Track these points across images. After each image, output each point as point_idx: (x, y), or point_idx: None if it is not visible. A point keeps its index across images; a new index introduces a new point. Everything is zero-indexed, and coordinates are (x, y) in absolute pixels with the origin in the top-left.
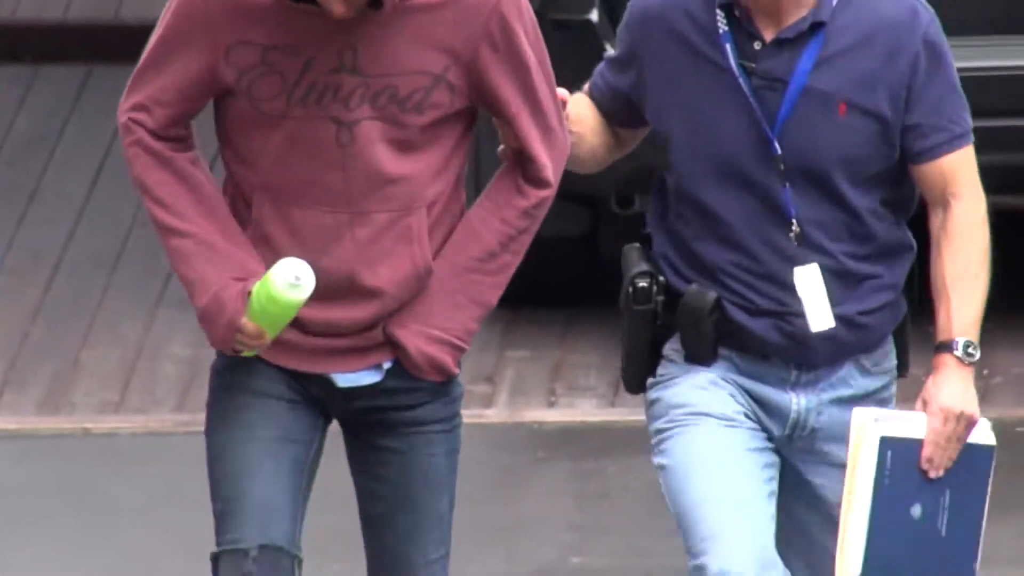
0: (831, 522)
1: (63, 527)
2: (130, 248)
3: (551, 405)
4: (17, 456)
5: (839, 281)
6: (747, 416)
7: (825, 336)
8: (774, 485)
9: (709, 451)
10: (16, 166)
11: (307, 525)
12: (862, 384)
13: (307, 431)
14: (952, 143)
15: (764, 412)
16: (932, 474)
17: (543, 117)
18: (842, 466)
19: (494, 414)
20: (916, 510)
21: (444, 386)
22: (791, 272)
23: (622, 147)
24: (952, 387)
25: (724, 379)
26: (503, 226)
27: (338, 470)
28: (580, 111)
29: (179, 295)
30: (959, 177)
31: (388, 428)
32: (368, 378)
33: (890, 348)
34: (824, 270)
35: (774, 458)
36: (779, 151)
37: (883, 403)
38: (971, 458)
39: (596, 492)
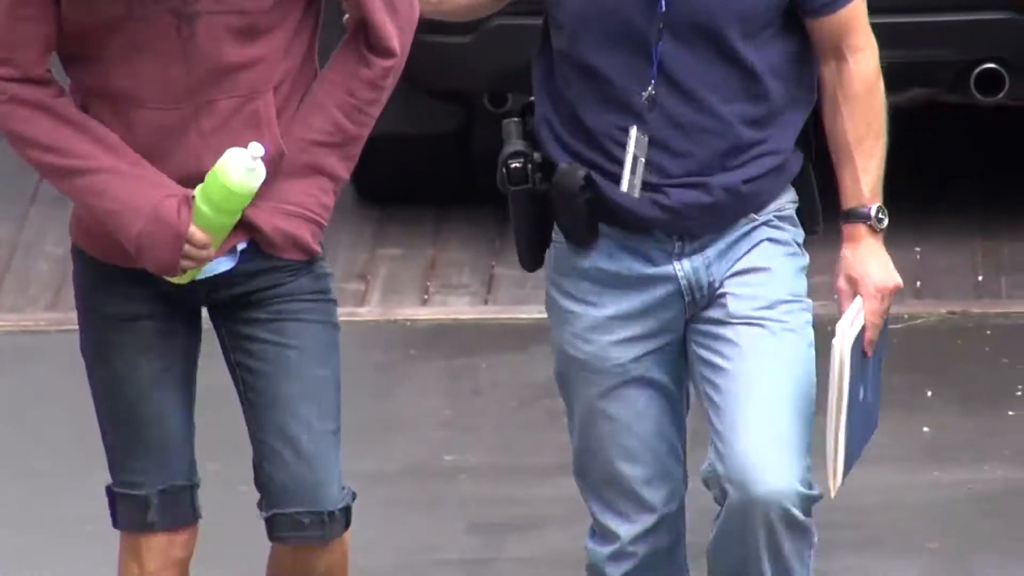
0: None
1: None
2: (2, 145)
3: (424, 303)
4: None
5: (724, 143)
6: (640, 356)
7: (704, 206)
8: (680, 423)
9: (605, 427)
10: None
11: None
12: (752, 229)
13: (184, 340)
14: None
15: (660, 308)
16: (868, 353)
17: None
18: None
19: (366, 312)
20: (861, 393)
21: (307, 265)
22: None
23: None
24: (877, 262)
25: (617, 315)
26: (348, 98)
27: (212, 374)
28: None
29: (52, 192)
30: (856, 27)
31: (256, 307)
32: (223, 265)
33: (788, 199)
34: (712, 134)
35: (677, 396)
36: (663, 8)
37: (777, 228)
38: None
39: (468, 389)
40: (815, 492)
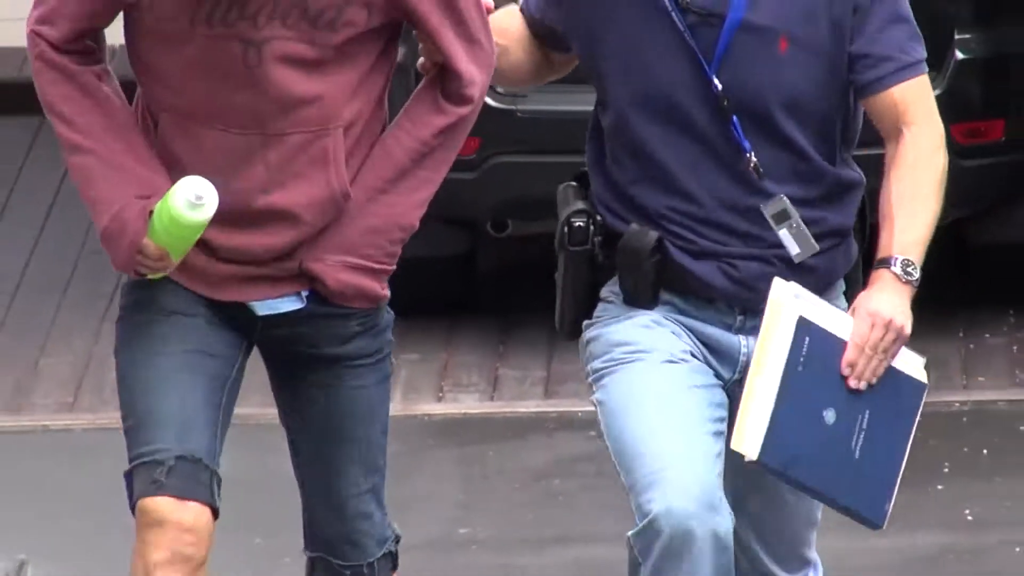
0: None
1: (24, 512)
2: (79, 273)
3: (439, 400)
4: None
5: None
6: (693, 355)
7: (770, 275)
8: (721, 425)
9: (650, 387)
10: None
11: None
12: None
13: (228, 347)
14: (902, 72)
15: (712, 354)
16: (852, 383)
17: (466, 29)
18: None
19: (390, 408)
20: (830, 415)
21: (370, 315)
22: (734, 215)
23: (553, 69)
24: (884, 296)
25: (667, 319)
26: (417, 144)
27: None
28: (507, 22)
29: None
30: (912, 108)
31: (314, 362)
32: (288, 305)
33: (840, 291)
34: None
35: (722, 397)
36: (719, 88)
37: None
38: (899, 387)
39: (478, 474)
40: None
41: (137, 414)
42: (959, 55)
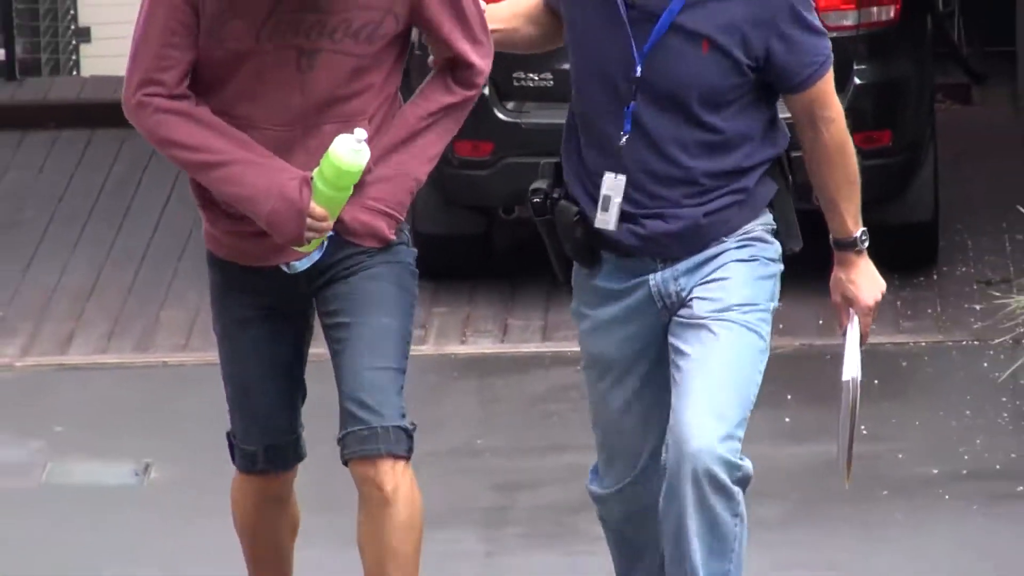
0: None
1: (149, 428)
2: (188, 248)
3: (462, 343)
4: (119, 380)
5: (688, 189)
6: (637, 351)
7: (675, 234)
8: (660, 410)
9: (610, 411)
10: (115, 197)
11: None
12: (722, 251)
13: (290, 339)
14: (817, 72)
15: (639, 306)
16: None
17: (471, 31)
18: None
19: (426, 349)
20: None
21: (385, 249)
22: (650, 180)
23: (561, 37)
24: (867, 281)
25: (612, 320)
26: (427, 115)
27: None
28: (522, 2)
29: None
30: (824, 100)
31: (339, 281)
32: (315, 256)
33: (760, 222)
34: (675, 180)
35: (655, 366)
36: (638, 74)
37: (745, 246)
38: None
39: (491, 399)
40: (743, 464)
41: (235, 406)
42: (857, 81)
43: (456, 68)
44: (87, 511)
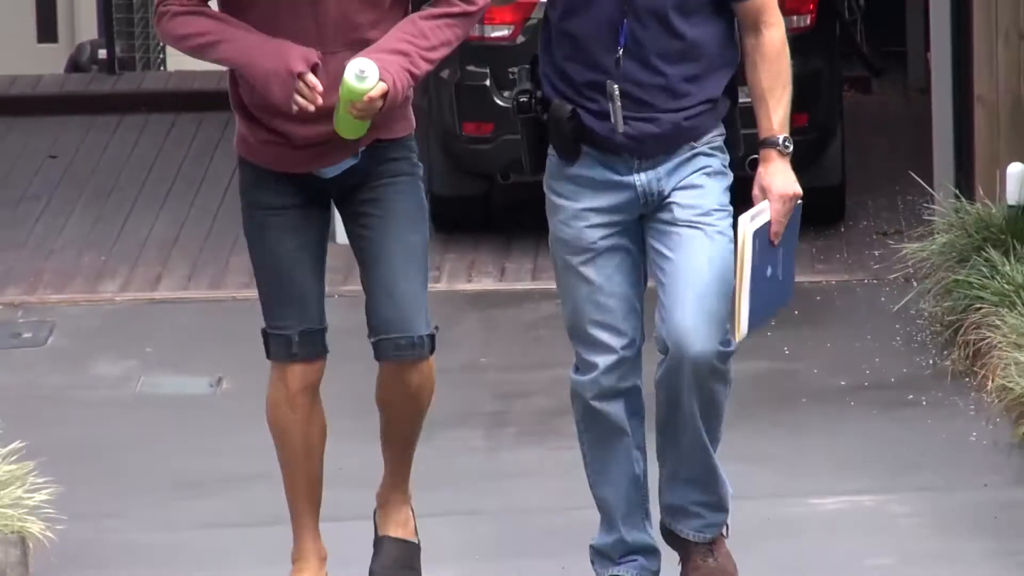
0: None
1: (221, 349)
2: None
3: (469, 281)
4: (197, 312)
5: (669, 95)
6: (610, 236)
7: (656, 135)
8: (638, 286)
9: (581, 293)
10: (193, 167)
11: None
12: (693, 155)
13: (316, 227)
14: None
15: (615, 193)
16: (776, 242)
17: None
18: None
19: (439, 286)
20: (769, 271)
21: (405, 152)
22: (632, 86)
23: None
24: (781, 176)
25: (589, 209)
26: (433, 19)
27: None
28: None
29: None
30: (769, 8)
31: (366, 189)
32: (349, 163)
33: (717, 132)
34: (658, 88)
35: (634, 256)
36: None
37: (710, 156)
38: (792, 218)
39: (492, 326)
40: (731, 348)
41: (267, 293)
42: None
43: None
44: (172, 415)
